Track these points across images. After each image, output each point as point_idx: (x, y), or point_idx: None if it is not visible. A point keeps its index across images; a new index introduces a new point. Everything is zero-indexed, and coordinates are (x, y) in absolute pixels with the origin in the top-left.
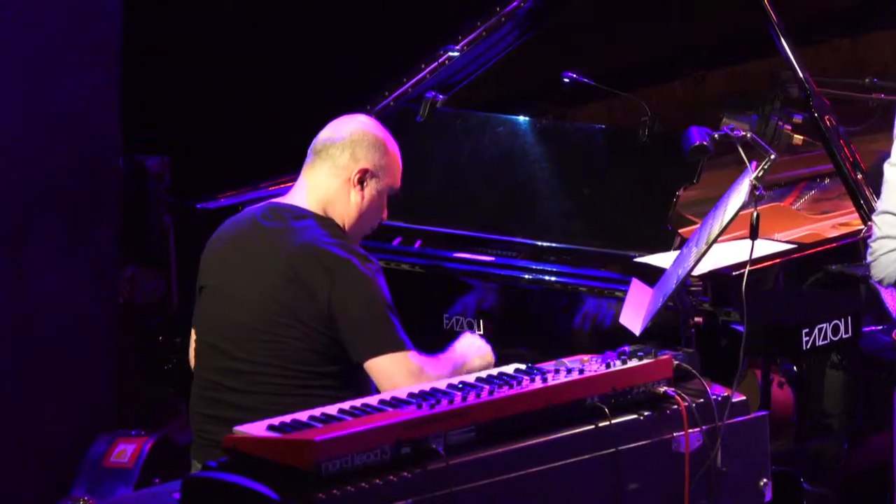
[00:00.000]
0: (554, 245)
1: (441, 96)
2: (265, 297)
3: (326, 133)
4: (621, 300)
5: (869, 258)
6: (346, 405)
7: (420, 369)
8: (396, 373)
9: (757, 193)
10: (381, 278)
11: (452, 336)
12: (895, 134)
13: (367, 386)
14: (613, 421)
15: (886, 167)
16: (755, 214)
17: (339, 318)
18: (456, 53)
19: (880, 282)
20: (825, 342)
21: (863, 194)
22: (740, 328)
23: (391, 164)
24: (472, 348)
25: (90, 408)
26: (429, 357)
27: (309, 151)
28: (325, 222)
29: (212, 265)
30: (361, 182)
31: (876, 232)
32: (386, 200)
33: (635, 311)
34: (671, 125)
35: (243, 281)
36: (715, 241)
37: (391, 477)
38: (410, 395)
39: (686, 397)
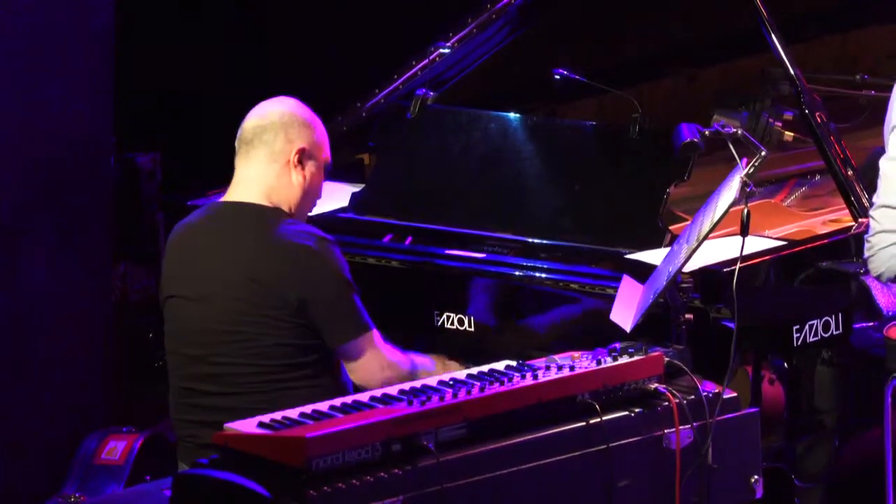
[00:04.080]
0: (545, 242)
1: (432, 93)
2: (229, 298)
3: (253, 121)
4: (612, 297)
5: (867, 253)
6: (336, 402)
7: (382, 354)
8: (365, 355)
9: (748, 190)
10: (338, 254)
11: (443, 333)
12: (886, 129)
13: (340, 370)
14: (604, 418)
15: (883, 162)
16: (746, 211)
17: (310, 306)
18: (447, 50)
19: (879, 277)
20: (816, 339)
21: (853, 191)
22: (731, 325)
23: (322, 138)
24: (439, 365)
25: (81, 405)
26: (393, 347)
27: (237, 143)
28: (271, 213)
29: (172, 273)
30: (301, 162)
31: (874, 226)
32: (324, 176)
33: (626, 308)
34: (662, 122)
35: (205, 285)
36: (706, 237)
37: (382, 474)
38: (401, 391)
39: (677, 394)
